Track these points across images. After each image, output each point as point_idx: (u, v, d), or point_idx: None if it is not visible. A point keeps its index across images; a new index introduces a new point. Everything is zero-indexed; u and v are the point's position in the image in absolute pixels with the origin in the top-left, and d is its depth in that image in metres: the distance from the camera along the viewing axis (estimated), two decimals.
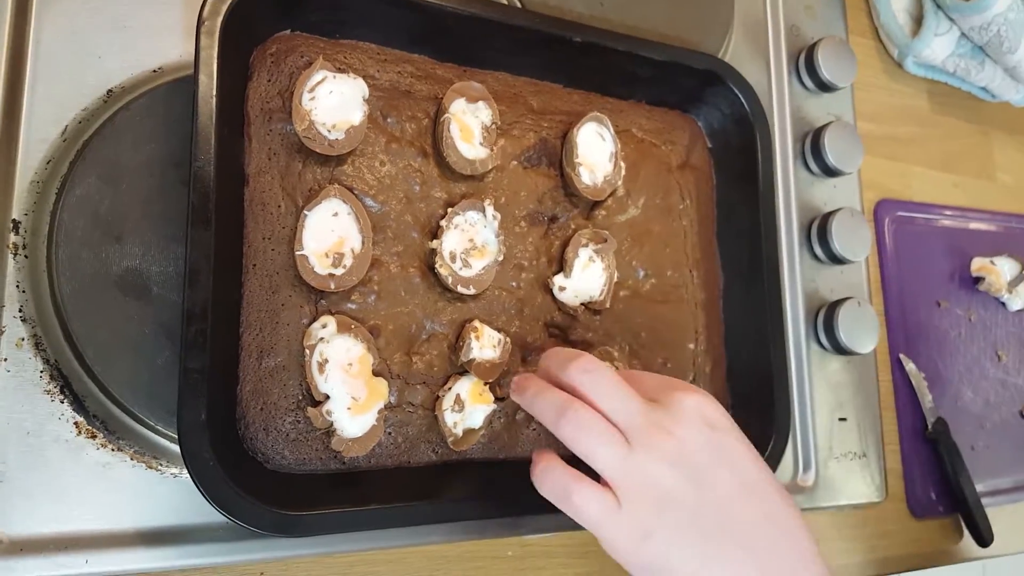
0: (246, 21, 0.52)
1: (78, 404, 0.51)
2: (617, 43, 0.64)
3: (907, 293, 0.86)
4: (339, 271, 0.53)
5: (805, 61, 0.81)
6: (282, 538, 0.52)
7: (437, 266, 0.56)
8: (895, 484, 0.80)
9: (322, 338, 0.52)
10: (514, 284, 0.61)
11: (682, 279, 0.68)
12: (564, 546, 0.63)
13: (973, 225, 0.94)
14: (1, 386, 0.50)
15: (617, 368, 0.62)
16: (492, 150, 0.60)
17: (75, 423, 0.51)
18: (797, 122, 0.80)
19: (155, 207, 0.54)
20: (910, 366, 0.83)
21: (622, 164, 0.65)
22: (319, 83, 0.54)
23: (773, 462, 0.63)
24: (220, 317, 0.49)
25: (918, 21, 0.90)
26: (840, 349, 0.75)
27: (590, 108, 0.66)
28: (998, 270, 0.91)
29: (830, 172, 0.79)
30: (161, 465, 0.52)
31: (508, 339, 0.58)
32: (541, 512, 0.59)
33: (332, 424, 0.52)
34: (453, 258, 0.57)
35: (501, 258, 0.59)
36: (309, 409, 0.51)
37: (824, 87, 0.81)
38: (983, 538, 0.80)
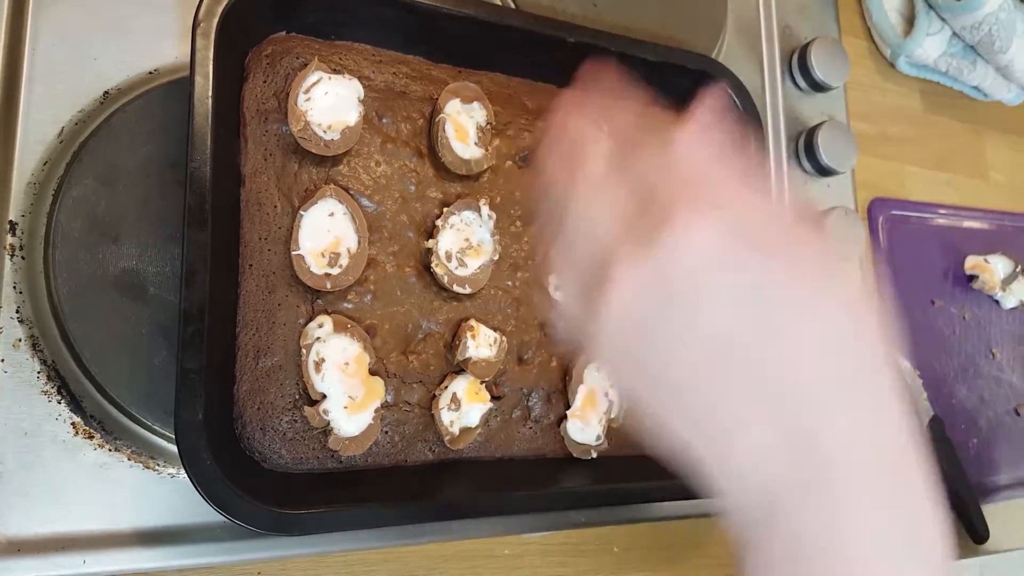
0: (242, 23, 0.52)
1: (75, 404, 0.51)
2: (611, 43, 0.64)
3: (901, 292, 0.87)
4: (335, 271, 0.53)
5: (798, 61, 0.82)
6: (279, 537, 0.53)
7: (433, 265, 0.57)
8: None
9: (319, 337, 0.52)
10: (510, 283, 0.61)
11: None
12: (560, 544, 0.64)
13: (966, 224, 0.94)
14: None
15: None
16: (487, 150, 0.60)
17: (72, 423, 0.51)
18: (790, 122, 0.81)
19: (152, 208, 0.54)
20: (905, 365, 0.84)
21: None
22: (314, 84, 0.54)
23: None
24: (217, 317, 0.49)
25: (910, 21, 0.91)
26: None
27: None
28: (992, 268, 0.91)
29: (824, 171, 0.80)
30: (158, 465, 0.52)
31: (504, 338, 0.58)
32: (538, 510, 0.60)
33: (329, 423, 0.52)
34: (449, 257, 0.58)
35: (497, 257, 0.59)
36: (306, 408, 0.52)
37: (817, 87, 0.82)
38: (979, 536, 0.80)
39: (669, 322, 0.32)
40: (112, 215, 0.53)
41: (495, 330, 0.59)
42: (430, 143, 0.60)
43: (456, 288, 0.57)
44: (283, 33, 0.57)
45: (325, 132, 0.54)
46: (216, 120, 0.49)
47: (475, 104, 0.60)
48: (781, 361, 0.31)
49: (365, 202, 0.57)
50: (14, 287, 0.51)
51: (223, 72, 0.50)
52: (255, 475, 0.51)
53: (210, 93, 0.49)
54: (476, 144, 0.60)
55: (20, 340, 0.51)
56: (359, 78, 0.56)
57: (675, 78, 0.69)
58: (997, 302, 0.93)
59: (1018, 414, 0.91)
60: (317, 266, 0.53)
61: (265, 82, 0.55)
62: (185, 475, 0.46)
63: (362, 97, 0.56)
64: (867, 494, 0.31)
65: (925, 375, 0.85)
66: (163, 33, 0.57)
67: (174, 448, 0.48)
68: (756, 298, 0.31)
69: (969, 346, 0.90)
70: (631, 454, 0.64)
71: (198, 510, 0.50)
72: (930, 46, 0.89)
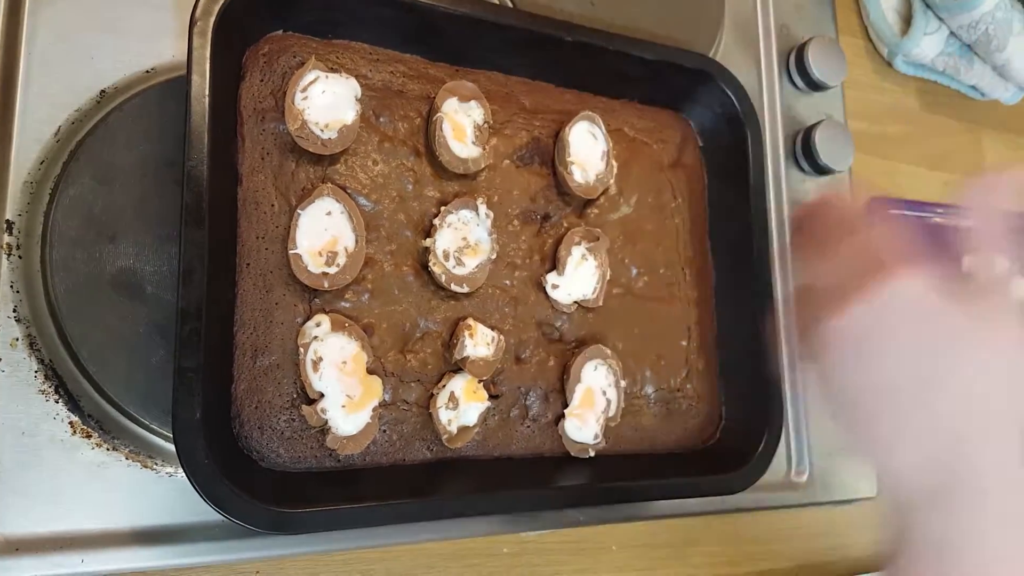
0: (238, 21, 0.52)
1: (73, 404, 0.51)
2: (608, 42, 0.64)
3: None
4: (333, 270, 0.53)
5: (795, 60, 0.82)
6: (277, 536, 0.53)
7: (430, 264, 0.57)
8: None
9: (316, 336, 0.52)
10: (507, 282, 0.61)
11: (674, 277, 0.69)
12: (559, 543, 0.64)
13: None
14: None
15: (610, 365, 0.62)
16: (485, 149, 0.60)
17: (70, 423, 0.51)
18: (788, 121, 0.81)
19: (149, 207, 0.54)
20: None
21: (614, 163, 0.66)
22: (312, 83, 0.54)
23: (766, 458, 0.64)
24: (214, 316, 0.49)
25: (907, 20, 0.91)
26: None
27: (582, 107, 0.66)
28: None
29: (821, 171, 0.80)
30: (156, 464, 0.52)
31: (501, 337, 0.58)
32: (536, 509, 0.60)
33: (327, 422, 0.52)
34: (446, 256, 0.58)
35: (494, 256, 0.59)
36: (304, 407, 0.52)
37: (814, 86, 0.82)
38: None
39: (867, 350, 0.44)
40: (109, 214, 0.53)
41: (493, 329, 0.59)
42: (427, 142, 0.60)
43: (454, 287, 0.57)
44: (280, 32, 0.57)
45: (322, 131, 0.54)
46: (213, 119, 0.49)
47: (472, 103, 0.60)
48: (949, 393, 0.42)
49: (362, 201, 0.57)
50: (11, 286, 0.51)
51: (220, 71, 0.50)
52: (253, 474, 0.51)
53: (207, 92, 0.49)
54: (474, 143, 0.60)
55: (17, 339, 0.51)
56: (356, 77, 0.56)
57: (672, 77, 0.69)
58: None
59: None
60: (314, 265, 0.53)
61: (262, 81, 0.55)
62: (183, 474, 0.46)
63: (359, 96, 0.56)
64: (1002, 505, 0.41)
65: None
66: (160, 32, 0.57)
67: (172, 447, 0.48)
68: (935, 337, 0.43)
69: None
70: (629, 452, 0.64)
71: (196, 509, 0.50)
72: (927, 45, 0.90)
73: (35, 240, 0.52)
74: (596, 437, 0.61)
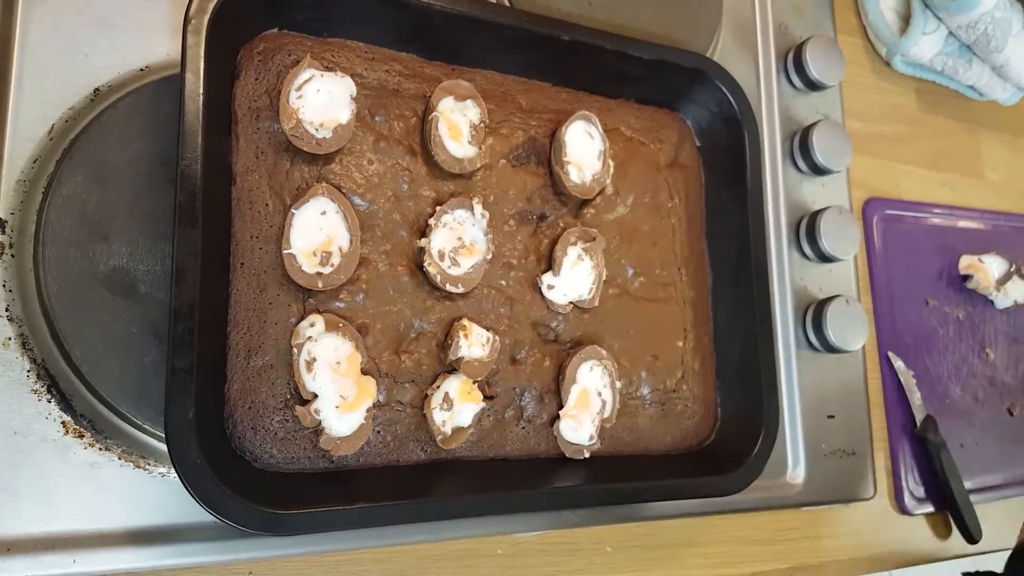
0: (233, 20, 0.52)
1: (65, 403, 0.51)
2: (605, 42, 0.64)
3: (895, 291, 0.87)
4: (327, 270, 0.53)
5: (793, 60, 0.81)
6: (270, 537, 0.53)
7: (426, 264, 0.57)
8: (884, 481, 0.81)
9: (310, 337, 0.52)
10: (503, 283, 0.61)
11: (671, 277, 0.69)
12: (554, 544, 0.63)
13: (961, 223, 0.94)
14: None
15: (605, 365, 0.62)
16: (480, 148, 0.60)
17: (62, 423, 0.51)
18: (785, 120, 0.81)
19: (142, 206, 0.54)
20: (898, 364, 0.84)
21: (611, 162, 0.65)
22: (306, 81, 0.54)
23: (761, 460, 0.64)
24: (207, 316, 0.48)
25: (906, 20, 0.91)
26: (829, 347, 0.75)
27: (579, 107, 0.66)
28: (986, 268, 0.91)
29: (818, 170, 0.79)
30: (149, 464, 0.52)
31: (497, 337, 0.58)
32: (530, 510, 0.60)
33: (320, 423, 0.52)
34: (442, 256, 0.57)
35: (490, 256, 0.59)
36: (297, 408, 0.51)
37: (812, 86, 0.82)
38: (971, 535, 0.80)
39: None
40: (102, 213, 0.53)
41: (488, 329, 0.58)
42: (423, 141, 0.59)
43: (449, 287, 0.57)
44: (275, 30, 0.57)
45: (317, 130, 0.54)
46: (207, 118, 0.49)
47: (468, 102, 0.60)
48: None
49: (357, 200, 0.56)
50: (3, 285, 0.51)
51: (214, 69, 0.50)
52: (246, 475, 0.50)
53: (201, 90, 0.49)
54: (469, 142, 0.60)
55: (10, 339, 0.51)
56: (351, 76, 0.56)
57: (669, 76, 0.69)
58: (991, 302, 0.93)
59: (1011, 414, 0.91)
60: (309, 265, 0.53)
61: (257, 79, 0.55)
62: (175, 475, 0.46)
63: (354, 95, 0.55)
64: None
65: (919, 374, 0.85)
66: (154, 30, 0.57)
67: (164, 447, 0.48)
68: None
69: (963, 346, 0.91)
70: (624, 453, 0.64)
71: (189, 510, 0.50)
72: (926, 45, 0.89)
73: (28, 239, 0.52)
74: (591, 438, 0.61)
